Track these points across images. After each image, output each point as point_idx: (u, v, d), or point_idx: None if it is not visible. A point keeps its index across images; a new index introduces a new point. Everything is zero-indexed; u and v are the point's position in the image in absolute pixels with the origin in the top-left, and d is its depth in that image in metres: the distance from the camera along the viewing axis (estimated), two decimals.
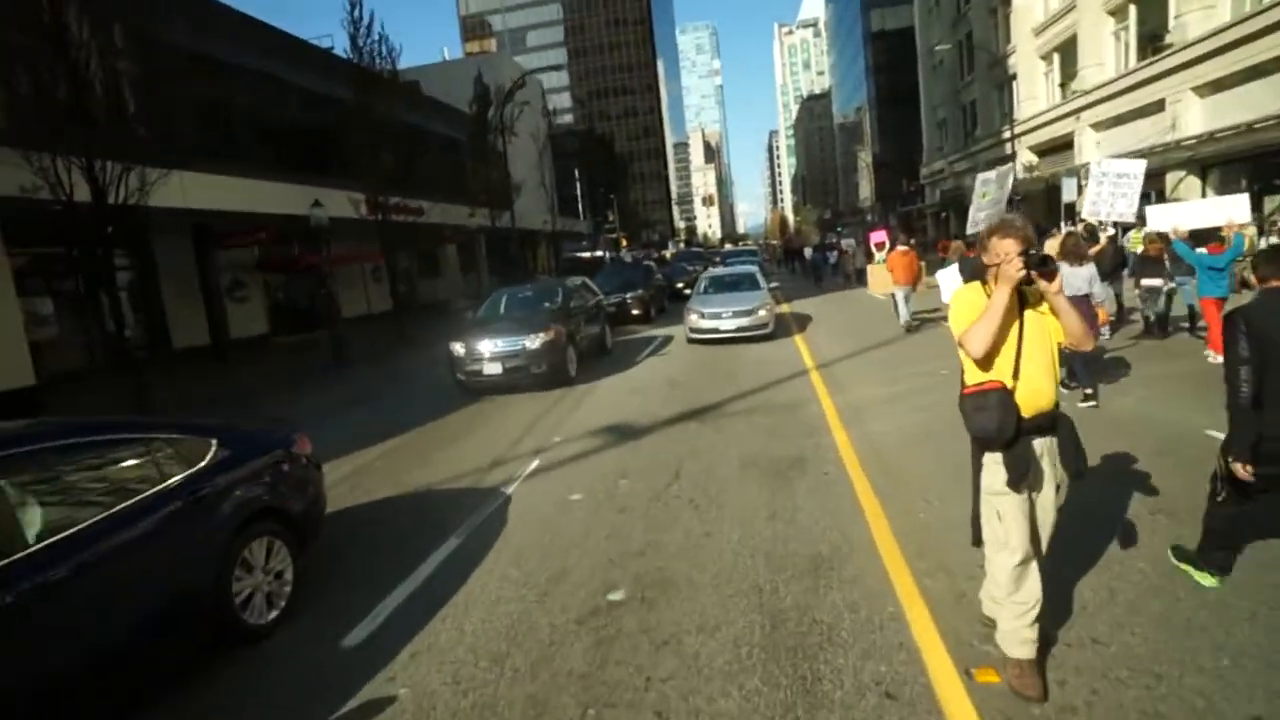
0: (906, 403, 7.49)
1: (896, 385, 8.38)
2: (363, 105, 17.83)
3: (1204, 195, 20.30)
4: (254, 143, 19.56)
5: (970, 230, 12.85)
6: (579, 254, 56.65)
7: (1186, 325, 9.79)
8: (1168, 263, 9.61)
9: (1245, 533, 3.48)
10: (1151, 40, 22.22)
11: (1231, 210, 10.09)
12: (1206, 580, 3.34)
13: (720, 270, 17.67)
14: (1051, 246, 8.00)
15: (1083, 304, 6.66)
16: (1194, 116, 20.36)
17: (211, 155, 17.45)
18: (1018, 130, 30.93)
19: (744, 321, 12.85)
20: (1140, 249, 10.63)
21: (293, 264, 21.78)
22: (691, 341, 13.35)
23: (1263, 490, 3.16)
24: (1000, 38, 33.29)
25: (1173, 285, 9.76)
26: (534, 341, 9.77)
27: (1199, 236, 9.61)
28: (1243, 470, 3.09)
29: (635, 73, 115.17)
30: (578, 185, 62.28)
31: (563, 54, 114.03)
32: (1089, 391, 6.81)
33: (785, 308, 19.35)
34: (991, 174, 12.74)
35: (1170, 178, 21.30)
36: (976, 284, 2.88)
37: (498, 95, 26.51)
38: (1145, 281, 9.87)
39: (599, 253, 59.00)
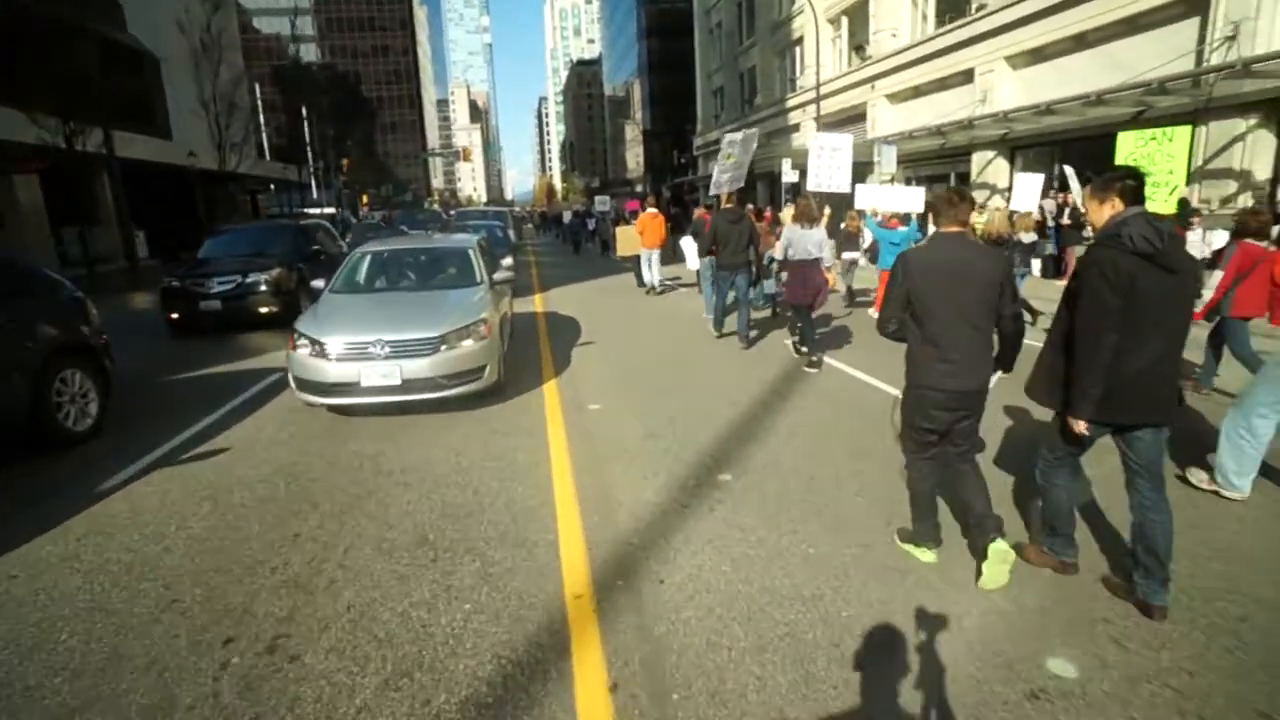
0: None
1: None
2: None
3: (1011, 179, 17.94)
4: None
5: (713, 192, 11.01)
6: (306, 209, 44.26)
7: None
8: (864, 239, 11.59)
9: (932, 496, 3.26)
10: (955, 4, 19.23)
11: (911, 200, 11.05)
12: (925, 555, 3.24)
13: (392, 244, 7.97)
14: (786, 214, 9.80)
15: (813, 267, 6.77)
16: (1007, 90, 17.58)
17: None
18: (803, 99, 27.71)
19: (419, 366, 5.33)
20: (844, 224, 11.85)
21: None
22: (310, 405, 5.82)
23: (929, 442, 3.16)
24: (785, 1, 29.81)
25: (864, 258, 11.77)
26: None
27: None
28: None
29: (388, 5, 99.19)
30: (305, 125, 49.18)
31: None
32: (814, 358, 6.98)
33: (537, 301, 12.89)
34: (738, 135, 11.13)
35: (977, 158, 18.59)
36: None
37: None
38: (845, 255, 11.32)
39: (330, 210, 47.26)
